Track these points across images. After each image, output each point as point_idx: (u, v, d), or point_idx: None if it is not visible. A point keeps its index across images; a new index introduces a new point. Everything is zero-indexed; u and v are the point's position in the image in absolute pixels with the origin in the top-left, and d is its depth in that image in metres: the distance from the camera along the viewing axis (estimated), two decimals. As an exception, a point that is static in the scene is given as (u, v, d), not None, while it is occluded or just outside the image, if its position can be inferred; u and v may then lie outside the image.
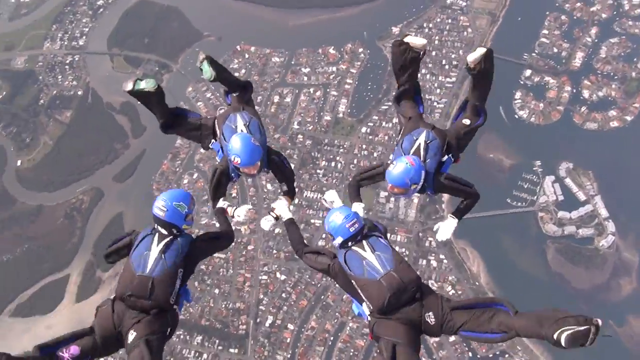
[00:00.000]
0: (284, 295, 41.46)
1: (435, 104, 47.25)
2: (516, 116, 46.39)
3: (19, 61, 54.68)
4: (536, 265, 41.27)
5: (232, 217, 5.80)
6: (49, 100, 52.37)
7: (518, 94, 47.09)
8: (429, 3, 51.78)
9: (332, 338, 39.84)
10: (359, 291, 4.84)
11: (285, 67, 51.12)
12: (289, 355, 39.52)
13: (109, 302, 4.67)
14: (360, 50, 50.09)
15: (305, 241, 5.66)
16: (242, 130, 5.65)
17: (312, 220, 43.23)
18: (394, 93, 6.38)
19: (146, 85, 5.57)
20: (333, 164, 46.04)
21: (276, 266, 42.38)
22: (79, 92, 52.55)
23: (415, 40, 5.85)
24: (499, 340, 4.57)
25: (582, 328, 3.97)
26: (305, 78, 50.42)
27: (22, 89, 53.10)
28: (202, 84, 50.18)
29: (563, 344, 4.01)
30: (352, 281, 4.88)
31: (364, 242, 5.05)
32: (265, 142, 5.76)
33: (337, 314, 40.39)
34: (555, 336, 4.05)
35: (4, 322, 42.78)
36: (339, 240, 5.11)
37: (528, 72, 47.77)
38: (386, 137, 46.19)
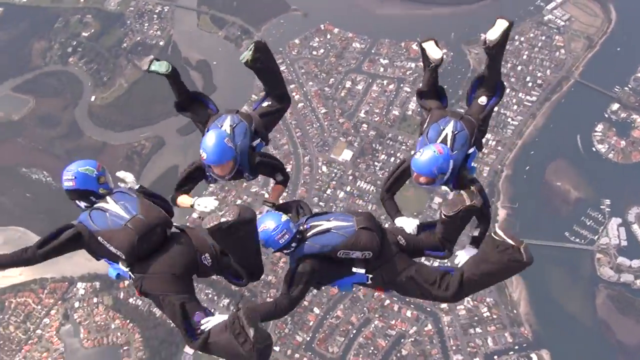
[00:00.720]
0: (316, 278, 41.15)
1: (509, 119, 45.48)
2: (593, 149, 44.04)
3: (112, 3, 56.66)
4: (582, 306, 39.18)
5: (192, 206, 5.34)
6: (131, 45, 54.10)
7: (600, 127, 44.64)
8: (525, 16, 49.69)
9: (354, 331, 39.32)
10: (351, 253, 4.79)
11: (365, 54, 50.61)
12: (308, 338, 39.32)
13: (140, 279, 4.39)
14: (444, 51, 48.55)
15: None
16: (225, 130, 5.33)
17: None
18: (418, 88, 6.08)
19: (159, 68, 5.55)
20: (392, 159, 45.15)
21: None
22: (161, 43, 54.00)
23: (431, 51, 5.63)
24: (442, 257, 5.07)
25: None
26: (382, 69, 49.72)
27: (110, 30, 55.09)
28: (278, 56, 50.44)
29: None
30: (339, 251, 4.79)
31: (312, 223, 4.94)
32: (246, 148, 5.37)
33: (365, 308, 39.84)
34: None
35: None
36: (271, 250, 4.81)
37: (615, 106, 45.14)
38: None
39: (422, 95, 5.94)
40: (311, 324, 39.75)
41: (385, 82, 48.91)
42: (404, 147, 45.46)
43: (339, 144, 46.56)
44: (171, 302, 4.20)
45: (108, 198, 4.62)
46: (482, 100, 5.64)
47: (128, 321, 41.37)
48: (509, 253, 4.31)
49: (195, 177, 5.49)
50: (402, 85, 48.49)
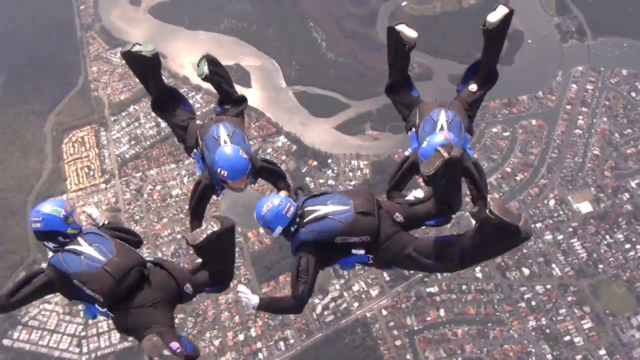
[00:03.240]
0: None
1: None
2: None
3: None
4: None
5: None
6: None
7: None
8: None
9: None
10: (349, 239, 4.88)
11: None
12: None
13: (120, 317, 4.56)
14: None
15: None
16: (225, 141, 5.37)
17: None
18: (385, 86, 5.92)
19: (144, 49, 5.38)
20: (628, 246, 38.83)
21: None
22: None
23: (407, 31, 5.35)
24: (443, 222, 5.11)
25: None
26: None
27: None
28: (593, 73, 45.17)
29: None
30: (337, 237, 4.91)
31: (308, 207, 5.00)
32: (249, 152, 5.41)
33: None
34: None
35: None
36: (278, 230, 4.94)
37: None
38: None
39: (393, 89, 5.82)
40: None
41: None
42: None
43: (585, 193, 41.11)
44: (150, 334, 4.29)
45: (80, 240, 4.64)
46: (473, 87, 5.65)
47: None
48: (508, 231, 4.27)
49: (207, 197, 5.56)
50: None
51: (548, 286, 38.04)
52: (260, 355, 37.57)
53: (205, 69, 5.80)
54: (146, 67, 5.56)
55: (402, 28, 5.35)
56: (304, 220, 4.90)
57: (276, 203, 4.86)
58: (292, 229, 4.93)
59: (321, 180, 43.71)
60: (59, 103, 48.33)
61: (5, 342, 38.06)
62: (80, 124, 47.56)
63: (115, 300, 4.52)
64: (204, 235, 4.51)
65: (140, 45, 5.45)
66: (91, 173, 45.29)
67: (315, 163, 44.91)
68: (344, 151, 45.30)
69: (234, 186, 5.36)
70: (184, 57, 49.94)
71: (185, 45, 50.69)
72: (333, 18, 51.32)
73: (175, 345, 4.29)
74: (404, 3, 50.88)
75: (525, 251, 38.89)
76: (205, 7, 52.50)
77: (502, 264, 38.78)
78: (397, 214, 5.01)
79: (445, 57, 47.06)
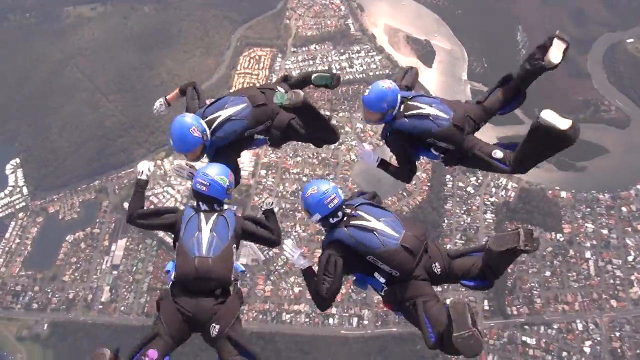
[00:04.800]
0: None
1: None
2: None
3: None
4: None
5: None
6: None
7: None
8: None
9: None
10: (380, 264, 4.62)
11: None
12: None
13: (169, 294, 4.58)
14: None
15: None
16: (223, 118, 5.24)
17: None
18: None
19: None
20: None
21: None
22: None
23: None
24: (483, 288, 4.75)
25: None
26: None
27: None
28: None
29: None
30: (370, 256, 4.63)
31: (362, 212, 4.81)
32: (224, 140, 5.24)
33: None
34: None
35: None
36: (316, 217, 4.83)
37: None
38: None
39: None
40: None
41: None
42: None
43: None
44: (154, 327, 4.45)
45: (213, 218, 4.76)
46: (497, 153, 5.09)
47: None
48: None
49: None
50: None
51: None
52: (331, 321, 37.18)
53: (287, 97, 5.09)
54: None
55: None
56: (350, 223, 4.75)
57: (323, 190, 4.80)
58: (332, 221, 4.82)
59: (460, 184, 41.46)
60: (253, 19, 50.92)
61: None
62: (264, 44, 49.79)
63: (184, 290, 4.67)
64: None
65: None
66: (254, 91, 47.14)
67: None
68: (497, 165, 42.18)
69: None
70: (380, 17, 49.48)
71: (386, 5, 50.21)
72: (544, 29, 47.38)
73: (153, 353, 4.27)
74: (631, 40, 45.27)
75: None
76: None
77: (619, 350, 34.19)
78: (436, 263, 4.73)
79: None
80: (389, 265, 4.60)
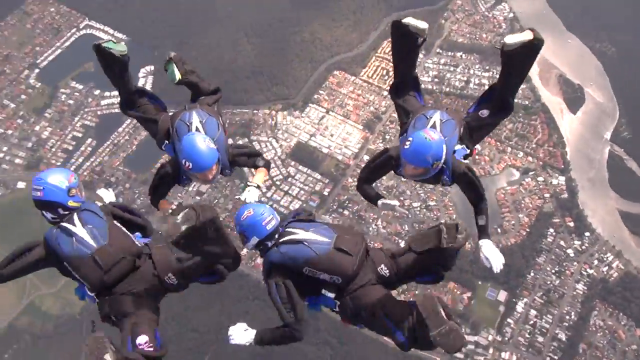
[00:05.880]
0: None
1: None
2: None
3: None
4: None
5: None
6: None
7: None
8: None
9: None
10: (318, 274, 4.40)
11: None
12: None
13: (105, 304, 4.39)
14: None
15: None
16: (197, 128, 4.93)
17: None
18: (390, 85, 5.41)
19: (115, 47, 4.85)
20: None
21: None
22: None
23: (416, 22, 4.72)
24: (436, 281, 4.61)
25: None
26: None
27: None
28: None
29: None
30: (306, 267, 4.43)
31: (289, 228, 4.61)
32: (222, 142, 4.99)
33: None
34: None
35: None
36: (254, 240, 4.53)
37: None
38: None
39: (397, 91, 5.28)
40: None
41: None
42: None
43: None
44: (128, 322, 4.25)
45: (75, 218, 4.44)
46: (484, 112, 4.97)
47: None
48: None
49: (167, 184, 5.20)
50: None
51: None
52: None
53: (177, 72, 5.40)
54: (113, 65, 5.03)
55: (410, 20, 4.71)
56: (280, 240, 4.50)
57: (259, 212, 4.53)
58: (269, 244, 4.54)
59: (562, 243, 38.46)
60: (409, 9, 49.90)
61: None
62: (411, 34, 48.55)
63: (104, 288, 4.39)
64: (181, 232, 3.85)
65: (114, 42, 4.93)
66: (385, 78, 46.70)
67: (571, 223, 39.24)
68: (610, 239, 38.52)
69: (200, 177, 4.85)
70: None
71: (550, 38, 47.18)
72: None
73: (143, 339, 4.10)
74: None
75: None
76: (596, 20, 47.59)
77: None
78: (382, 265, 4.50)
79: None
80: (327, 272, 4.38)
